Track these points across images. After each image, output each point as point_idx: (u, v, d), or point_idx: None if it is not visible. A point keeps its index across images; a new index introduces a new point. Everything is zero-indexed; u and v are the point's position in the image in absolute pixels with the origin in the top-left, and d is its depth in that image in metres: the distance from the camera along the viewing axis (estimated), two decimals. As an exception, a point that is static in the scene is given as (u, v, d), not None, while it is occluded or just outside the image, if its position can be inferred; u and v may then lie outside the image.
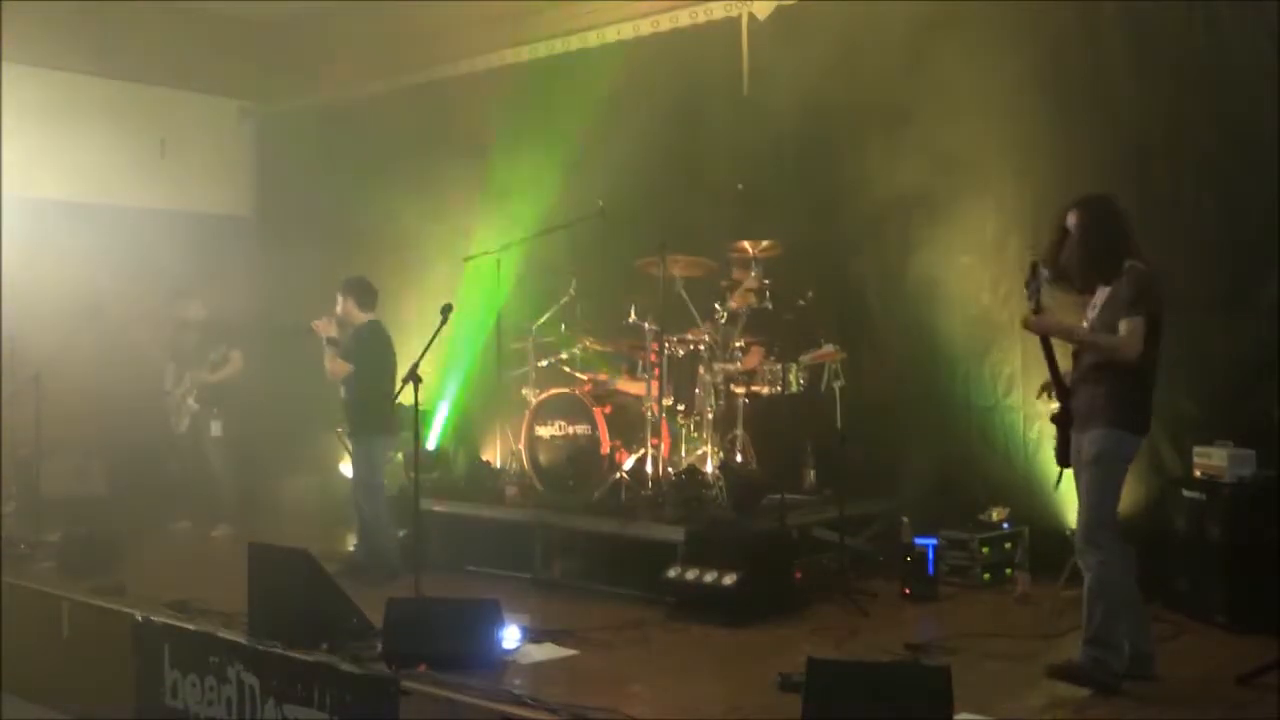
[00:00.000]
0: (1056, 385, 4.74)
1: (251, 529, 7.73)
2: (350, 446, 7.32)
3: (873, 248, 7.44)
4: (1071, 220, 4.73)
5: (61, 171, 9.68)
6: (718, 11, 8.15)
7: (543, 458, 7.39)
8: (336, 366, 7.09)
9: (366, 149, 10.20)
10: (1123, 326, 4.50)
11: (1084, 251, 4.68)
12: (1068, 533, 5.04)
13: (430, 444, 8.86)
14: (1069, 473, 4.82)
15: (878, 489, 7.16)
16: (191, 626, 5.70)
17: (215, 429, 8.81)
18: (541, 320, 7.73)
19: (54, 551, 7.37)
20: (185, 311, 9.05)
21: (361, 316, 7.16)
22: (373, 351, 7.06)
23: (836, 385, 6.74)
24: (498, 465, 7.98)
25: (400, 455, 7.75)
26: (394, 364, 7.06)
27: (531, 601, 6.14)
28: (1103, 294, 4.65)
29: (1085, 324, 4.72)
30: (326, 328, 7.13)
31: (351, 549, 7.44)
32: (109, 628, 6.11)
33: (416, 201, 9.66)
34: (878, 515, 7.12)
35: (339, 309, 7.17)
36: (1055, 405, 4.78)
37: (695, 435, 7.21)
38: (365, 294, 7.20)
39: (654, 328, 7.09)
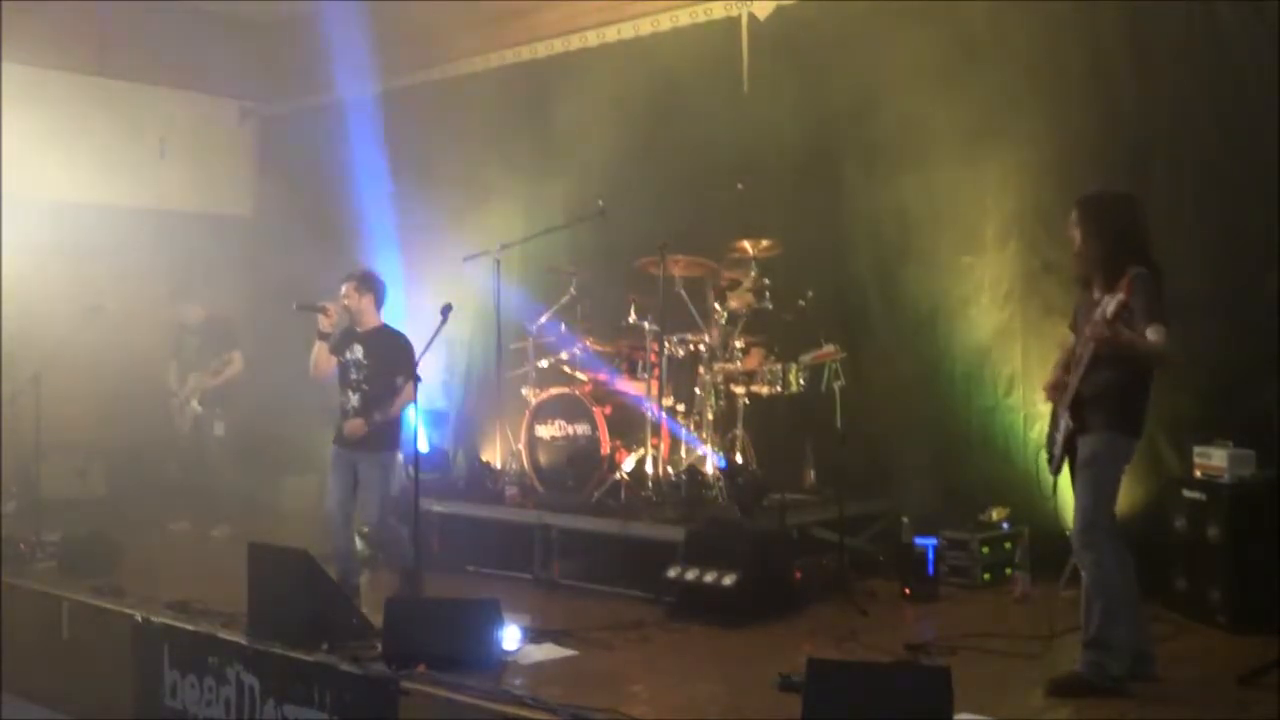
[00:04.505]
0: (1075, 396, 4.63)
1: (251, 529, 7.72)
2: (361, 460, 6.36)
3: (872, 248, 7.44)
4: (1072, 219, 4.71)
5: (61, 171, 9.68)
6: (718, 11, 8.16)
7: (543, 458, 7.39)
8: (326, 365, 6.47)
9: (366, 149, 10.19)
10: (1152, 334, 4.42)
11: (1082, 252, 4.67)
12: (1067, 533, 5.04)
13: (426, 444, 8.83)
14: (1062, 478, 4.81)
15: (878, 489, 7.16)
16: (191, 627, 5.69)
17: (218, 430, 8.82)
18: (541, 320, 7.73)
19: (54, 551, 7.37)
20: (184, 313, 9.07)
21: (376, 318, 6.49)
22: (412, 363, 6.11)
23: (836, 385, 6.74)
24: (498, 465, 7.98)
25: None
26: None
27: (531, 601, 6.14)
28: (1111, 300, 4.41)
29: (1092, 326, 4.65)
30: (331, 320, 6.42)
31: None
32: (109, 628, 6.11)
33: (416, 201, 9.68)
34: (878, 515, 7.12)
35: (351, 303, 6.42)
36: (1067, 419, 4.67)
37: (695, 435, 7.21)
38: (383, 294, 6.53)
39: (654, 328, 7.09)
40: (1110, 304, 4.30)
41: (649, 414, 7.02)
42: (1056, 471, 4.78)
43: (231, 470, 8.94)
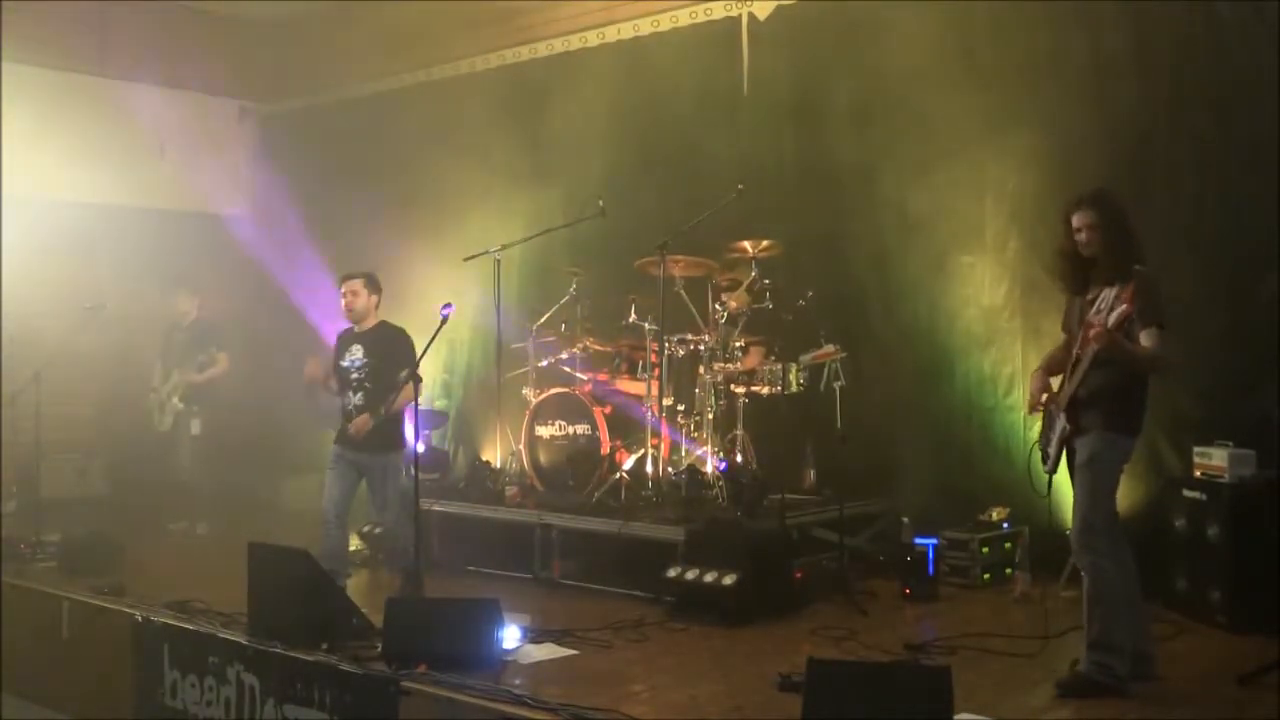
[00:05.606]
0: (1071, 400, 4.63)
1: (251, 529, 7.70)
2: (368, 462, 6.41)
3: (872, 247, 7.44)
4: (1083, 219, 4.63)
5: (62, 171, 9.67)
6: (718, 11, 8.17)
7: (543, 458, 7.40)
8: (319, 374, 6.54)
9: (366, 149, 10.20)
10: (1146, 339, 4.44)
11: (1101, 250, 4.59)
12: (1066, 532, 5.05)
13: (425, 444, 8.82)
14: (1059, 477, 4.81)
15: (878, 489, 7.17)
16: (191, 626, 5.70)
17: (195, 428, 8.81)
18: (541, 320, 7.73)
19: (54, 551, 7.37)
20: (178, 310, 9.07)
21: (376, 317, 6.52)
22: (413, 358, 6.06)
23: (836, 385, 6.74)
24: (498, 465, 7.98)
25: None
26: None
27: (531, 601, 6.14)
28: (1109, 298, 4.46)
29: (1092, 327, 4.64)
30: (317, 373, 6.52)
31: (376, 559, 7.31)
32: (109, 628, 6.11)
33: (416, 201, 9.68)
34: (878, 515, 7.13)
35: (357, 300, 6.44)
36: (1063, 421, 4.66)
37: (695, 435, 7.22)
38: (381, 293, 6.56)
39: (654, 328, 7.09)
40: (1113, 314, 4.30)
41: (649, 414, 7.02)
42: (1052, 470, 4.78)
43: (203, 468, 8.90)
